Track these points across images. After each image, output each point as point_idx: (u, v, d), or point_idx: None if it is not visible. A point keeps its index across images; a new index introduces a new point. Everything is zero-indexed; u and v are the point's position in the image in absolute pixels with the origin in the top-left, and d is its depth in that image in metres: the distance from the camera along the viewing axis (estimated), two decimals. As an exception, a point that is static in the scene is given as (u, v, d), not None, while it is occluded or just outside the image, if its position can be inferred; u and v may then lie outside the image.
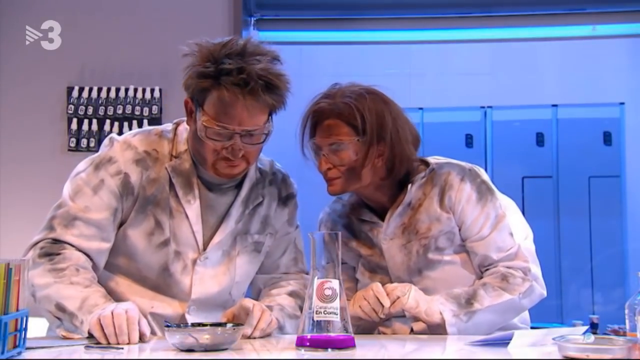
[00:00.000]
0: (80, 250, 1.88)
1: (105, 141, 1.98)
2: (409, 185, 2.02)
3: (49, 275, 1.81)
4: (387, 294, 1.90)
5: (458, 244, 2.03)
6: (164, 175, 1.94)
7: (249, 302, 1.83)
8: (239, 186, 2.00)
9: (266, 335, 1.82)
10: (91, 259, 1.89)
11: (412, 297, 1.90)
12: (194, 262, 1.95)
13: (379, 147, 1.96)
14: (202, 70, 1.82)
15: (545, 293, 2.03)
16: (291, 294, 2.02)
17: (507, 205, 2.13)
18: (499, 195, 2.08)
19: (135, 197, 1.92)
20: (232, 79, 1.79)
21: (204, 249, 1.96)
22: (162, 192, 1.93)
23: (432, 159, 2.10)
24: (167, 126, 2.03)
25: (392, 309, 1.90)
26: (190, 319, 1.94)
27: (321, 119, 1.97)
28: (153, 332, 1.90)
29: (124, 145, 1.95)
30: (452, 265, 2.02)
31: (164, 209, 1.93)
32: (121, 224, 1.93)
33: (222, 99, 1.81)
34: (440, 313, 1.91)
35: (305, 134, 2.01)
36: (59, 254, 1.85)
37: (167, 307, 1.95)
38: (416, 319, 1.93)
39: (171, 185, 1.94)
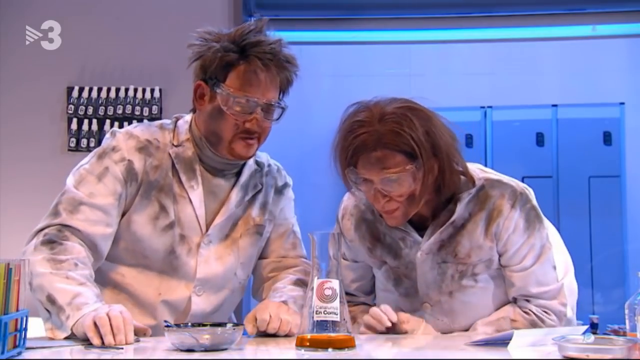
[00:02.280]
0: (85, 236, 1.89)
1: (107, 134, 2.03)
2: (458, 204, 1.90)
3: (47, 264, 1.81)
4: (399, 324, 1.87)
5: (494, 268, 1.94)
6: (166, 162, 1.98)
7: (265, 315, 1.84)
8: (238, 174, 2.05)
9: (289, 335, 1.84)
10: (95, 245, 1.91)
11: (420, 333, 1.88)
12: (199, 245, 1.98)
13: (430, 166, 1.82)
14: (227, 45, 1.90)
15: None
16: (296, 282, 2.04)
17: (553, 234, 2.02)
18: (546, 222, 1.97)
19: (139, 184, 1.96)
20: (263, 49, 1.90)
21: (207, 232, 1.99)
22: (165, 177, 1.97)
23: (479, 172, 1.97)
24: (167, 120, 2.09)
25: (399, 329, 1.89)
26: (197, 300, 1.98)
27: (365, 150, 1.80)
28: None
29: (126, 135, 2.00)
30: (484, 291, 1.94)
31: (168, 194, 1.97)
32: (124, 212, 1.96)
33: (249, 70, 1.90)
34: None
35: (341, 163, 1.85)
36: (61, 243, 1.86)
37: (175, 290, 1.97)
38: None
39: (174, 171, 1.98)
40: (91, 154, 2.01)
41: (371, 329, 1.90)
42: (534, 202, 1.95)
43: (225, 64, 1.90)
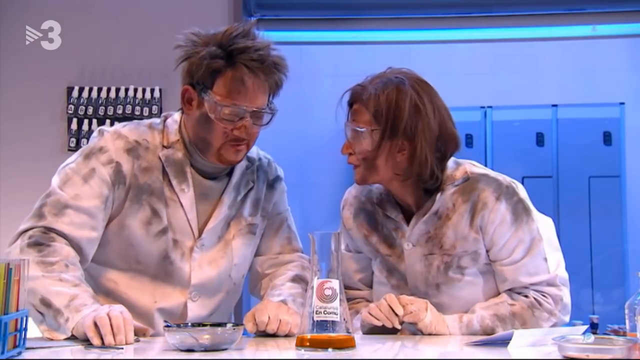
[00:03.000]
0: (70, 239, 1.87)
1: (95, 133, 2.00)
2: (439, 194, 1.94)
3: (37, 267, 1.79)
4: (403, 306, 1.85)
5: (483, 263, 1.95)
6: (156, 164, 1.96)
7: (264, 317, 1.82)
8: (229, 174, 2.03)
9: (288, 335, 1.83)
10: (81, 249, 1.89)
11: (428, 316, 1.86)
12: (191, 249, 1.97)
13: (397, 141, 1.88)
14: (214, 51, 1.85)
15: (567, 320, 1.96)
16: (294, 279, 2.03)
17: (544, 228, 2.01)
18: (536, 215, 1.97)
19: (127, 187, 1.93)
20: (250, 56, 1.85)
21: (199, 235, 1.98)
22: (156, 181, 1.95)
23: (469, 166, 2.00)
24: (156, 119, 2.06)
25: (406, 319, 1.86)
26: (193, 305, 1.97)
27: (351, 101, 1.96)
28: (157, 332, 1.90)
29: (114, 135, 1.96)
30: (473, 285, 1.95)
31: (159, 197, 1.94)
32: (113, 216, 1.94)
33: (236, 78, 1.86)
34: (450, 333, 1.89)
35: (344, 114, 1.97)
36: (48, 245, 1.83)
37: (170, 297, 1.96)
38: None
39: (164, 174, 1.96)
40: (77, 152, 1.97)
41: (374, 319, 1.86)
42: (522, 195, 1.96)
43: (212, 71, 1.86)
